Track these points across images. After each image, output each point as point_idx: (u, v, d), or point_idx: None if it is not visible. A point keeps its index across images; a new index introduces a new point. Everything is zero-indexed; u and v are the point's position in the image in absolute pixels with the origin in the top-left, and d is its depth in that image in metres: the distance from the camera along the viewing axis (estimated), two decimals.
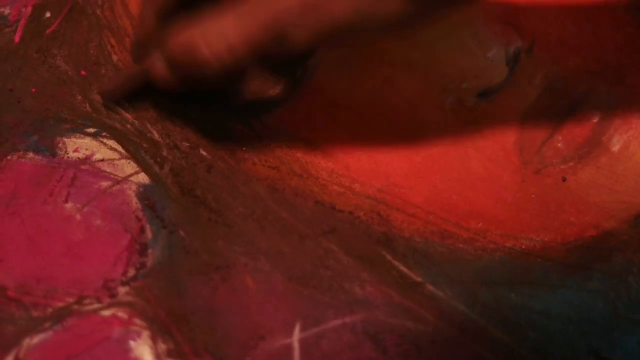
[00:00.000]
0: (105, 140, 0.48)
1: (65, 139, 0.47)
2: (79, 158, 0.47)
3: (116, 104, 0.48)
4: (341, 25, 0.41)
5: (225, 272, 0.44)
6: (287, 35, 0.42)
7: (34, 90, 0.49)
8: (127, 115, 0.49)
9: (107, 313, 0.42)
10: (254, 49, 0.42)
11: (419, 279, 0.45)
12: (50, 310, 0.42)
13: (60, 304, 0.42)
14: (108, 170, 0.47)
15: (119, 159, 0.47)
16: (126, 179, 0.47)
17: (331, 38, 0.43)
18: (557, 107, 0.51)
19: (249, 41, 0.42)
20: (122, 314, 0.42)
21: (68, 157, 0.47)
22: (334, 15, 0.41)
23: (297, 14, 0.41)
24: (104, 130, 0.48)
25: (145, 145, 0.48)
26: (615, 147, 0.50)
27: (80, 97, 0.49)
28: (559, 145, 0.50)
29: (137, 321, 0.42)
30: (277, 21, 0.41)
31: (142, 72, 0.47)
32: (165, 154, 0.47)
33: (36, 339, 0.41)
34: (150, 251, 0.44)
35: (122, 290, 0.43)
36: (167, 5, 0.46)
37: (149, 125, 0.48)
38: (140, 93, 0.48)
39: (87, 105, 0.49)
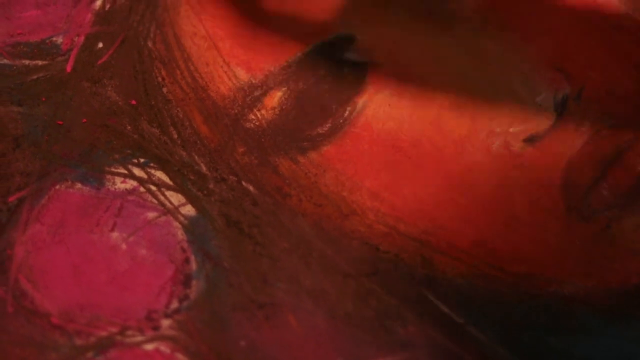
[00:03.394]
0: (152, 171, 0.48)
1: (113, 169, 0.48)
2: (126, 189, 0.47)
3: None
4: None
5: (268, 309, 0.44)
6: None
7: (84, 120, 0.49)
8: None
9: (149, 347, 0.42)
10: None
11: (461, 320, 0.45)
12: (92, 338, 0.42)
13: (103, 333, 0.42)
14: (155, 201, 0.47)
15: (166, 190, 0.47)
16: (172, 210, 0.47)
17: None
18: (603, 154, 0.51)
19: None
20: (164, 348, 0.42)
21: (115, 188, 0.47)
22: None
23: None
24: (152, 161, 0.48)
25: (192, 177, 0.48)
26: None
27: (129, 127, 0.49)
28: (604, 192, 0.50)
29: (179, 356, 0.42)
30: None
31: None
32: (211, 186, 0.47)
33: None
34: (194, 282, 0.44)
35: (165, 322, 0.43)
36: None
37: (196, 157, 0.48)
38: None
39: (136, 135, 0.49)
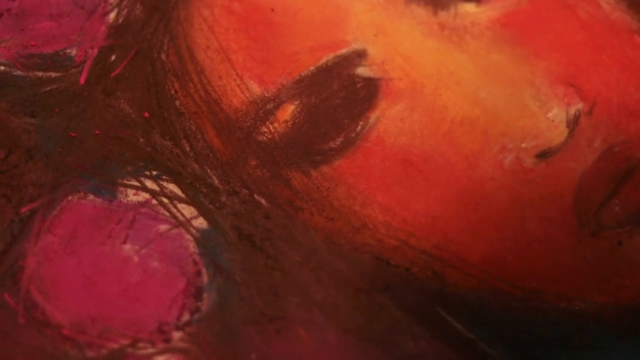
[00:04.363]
0: (165, 184, 0.48)
1: (125, 181, 0.48)
2: (138, 201, 0.47)
3: None
4: None
5: (279, 322, 0.44)
6: None
7: (97, 132, 0.49)
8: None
9: (160, 359, 0.42)
10: None
11: (472, 336, 0.45)
12: (104, 350, 0.42)
13: (115, 345, 0.42)
14: (167, 214, 0.47)
15: (178, 203, 0.47)
16: (184, 222, 0.47)
17: None
18: (615, 170, 0.51)
19: None
20: None
21: (128, 200, 0.47)
22: None
23: None
24: (164, 174, 0.48)
25: (204, 190, 0.48)
26: None
27: (142, 140, 0.49)
28: (616, 208, 0.50)
29: None
30: None
31: None
32: (224, 199, 0.48)
33: None
34: (205, 295, 0.44)
35: (176, 335, 0.43)
36: None
37: (209, 170, 0.49)
38: None
39: (149, 147, 0.49)
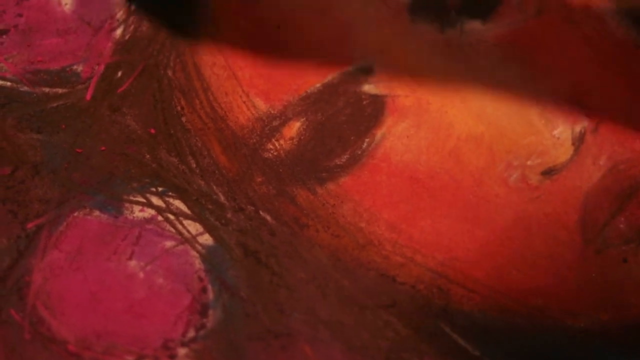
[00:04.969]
0: (171, 200, 0.48)
1: (131, 197, 0.48)
2: (144, 217, 0.47)
3: None
4: None
5: (284, 339, 0.44)
6: None
7: (102, 148, 0.49)
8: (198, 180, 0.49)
9: None
10: None
11: (477, 353, 0.45)
12: None
13: None
14: (172, 230, 0.47)
15: (184, 219, 0.47)
16: (190, 239, 0.47)
17: None
18: (621, 188, 0.51)
19: None
20: None
21: (134, 217, 0.47)
22: None
23: None
24: (170, 190, 0.48)
25: (210, 207, 0.48)
26: None
27: (148, 156, 0.49)
28: (621, 226, 0.50)
29: None
30: None
31: None
32: (229, 216, 0.48)
33: None
34: (210, 312, 0.44)
35: (182, 351, 0.43)
36: None
37: (215, 187, 0.49)
38: None
39: (155, 164, 0.49)
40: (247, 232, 0.47)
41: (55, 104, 0.51)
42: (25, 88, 0.51)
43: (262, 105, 0.52)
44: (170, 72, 0.53)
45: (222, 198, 0.48)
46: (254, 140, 0.50)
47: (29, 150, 0.49)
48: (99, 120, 0.51)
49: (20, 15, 0.54)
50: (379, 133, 0.51)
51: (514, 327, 0.46)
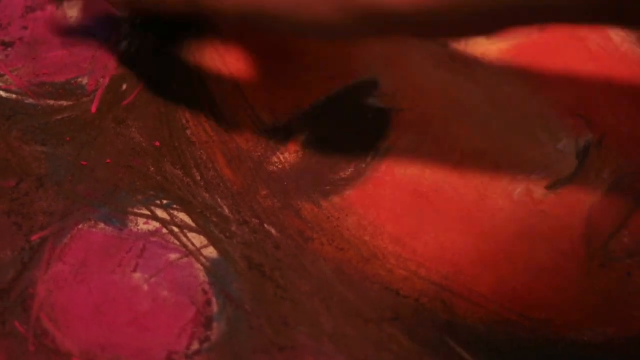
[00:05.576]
0: (175, 213, 0.48)
1: (136, 210, 0.48)
2: (149, 230, 0.47)
3: None
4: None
5: (289, 352, 0.44)
6: None
7: (108, 160, 0.50)
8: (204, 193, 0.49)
9: None
10: None
11: None
12: None
13: None
14: (177, 243, 0.47)
15: (189, 232, 0.47)
16: (195, 252, 0.47)
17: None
18: (625, 201, 0.51)
19: None
20: None
21: (138, 229, 0.47)
22: None
23: None
24: (175, 203, 0.48)
25: (215, 220, 0.48)
26: None
27: (153, 169, 0.50)
28: (625, 239, 0.50)
29: None
30: None
31: None
32: (234, 229, 0.48)
33: None
34: (215, 325, 0.45)
35: None
36: None
37: (219, 200, 0.49)
38: None
39: (160, 176, 0.49)
40: (251, 245, 0.47)
41: (60, 117, 0.51)
42: (30, 100, 0.51)
43: (267, 118, 0.52)
44: (175, 85, 0.53)
45: (226, 211, 0.48)
46: (259, 153, 0.50)
47: (34, 163, 0.49)
48: (104, 132, 0.51)
49: (26, 28, 0.54)
50: (383, 146, 0.51)
51: (518, 341, 0.46)
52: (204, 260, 0.47)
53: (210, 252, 0.47)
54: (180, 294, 0.45)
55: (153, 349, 0.44)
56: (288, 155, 0.50)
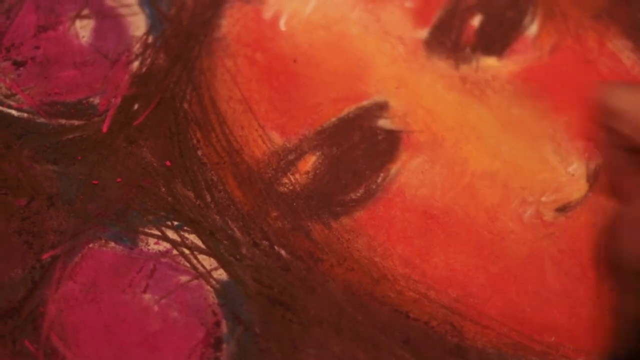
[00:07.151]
0: (186, 234, 0.48)
1: (147, 230, 0.48)
2: (159, 250, 0.47)
3: None
4: None
5: None
6: None
7: (119, 179, 0.50)
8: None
9: None
10: None
11: None
12: None
13: None
14: (187, 265, 0.47)
15: (199, 254, 0.47)
16: (205, 274, 0.47)
17: None
18: None
19: None
20: None
21: (149, 249, 0.47)
22: None
23: None
24: (185, 224, 0.48)
25: (225, 242, 0.48)
26: None
27: (164, 189, 0.50)
28: None
29: None
30: None
31: None
32: (244, 251, 0.48)
33: None
34: (224, 346, 0.45)
35: None
36: None
37: (230, 222, 0.49)
38: None
39: (170, 197, 0.49)
40: (261, 268, 0.47)
41: (71, 136, 0.51)
42: (42, 119, 0.52)
43: (277, 139, 0.52)
44: (186, 105, 0.53)
45: (237, 233, 0.48)
46: (270, 174, 0.51)
47: (45, 182, 0.49)
48: (115, 152, 0.51)
49: (38, 48, 0.54)
50: (393, 168, 0.51)
51: None
52: (213, 282, 0.47)
53: (220, 274, 0.47)
54: (190, 315, 0.46)
55: None
56: (299, 176, 0.50)
